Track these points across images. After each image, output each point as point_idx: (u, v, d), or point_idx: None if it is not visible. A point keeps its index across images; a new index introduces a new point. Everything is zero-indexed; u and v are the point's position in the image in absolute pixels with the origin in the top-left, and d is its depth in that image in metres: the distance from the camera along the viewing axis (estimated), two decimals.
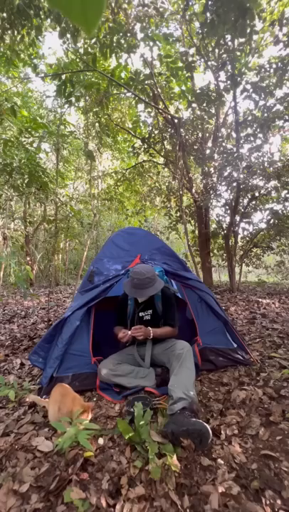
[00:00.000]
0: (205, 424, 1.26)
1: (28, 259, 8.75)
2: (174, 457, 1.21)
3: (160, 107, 5.03)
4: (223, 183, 4.80)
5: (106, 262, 2.32)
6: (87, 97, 5.18)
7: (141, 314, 2.00)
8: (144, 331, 1.82)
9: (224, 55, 4.02)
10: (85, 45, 4.38)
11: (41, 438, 1.40)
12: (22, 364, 2.47)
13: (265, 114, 4.16)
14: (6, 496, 1.09)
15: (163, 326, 1.97)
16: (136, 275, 1.80)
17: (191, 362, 1.65)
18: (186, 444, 1.27)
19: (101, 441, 1.37)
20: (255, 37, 4.16)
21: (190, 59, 4.32)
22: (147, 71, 4.77)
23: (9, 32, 3.46)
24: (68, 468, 1.21)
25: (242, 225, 5.43)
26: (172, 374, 1.61)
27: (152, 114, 5.64)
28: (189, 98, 4.92)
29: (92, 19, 0.27)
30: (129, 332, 1.84)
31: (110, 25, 3.87)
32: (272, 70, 4.02)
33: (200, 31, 3.69)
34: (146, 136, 5.75)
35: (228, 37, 3.78)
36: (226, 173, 4.62)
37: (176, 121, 4.88)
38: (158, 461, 1.18)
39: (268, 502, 1.02)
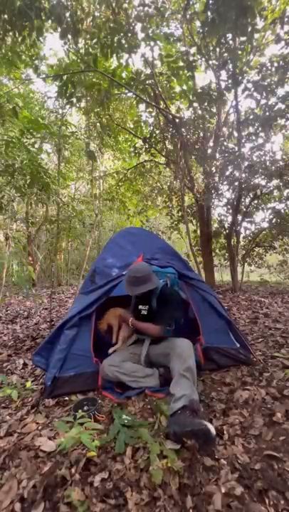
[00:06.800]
0: (209, 424, 1.25)
1: (30, 259, 8.78)
2: (176, 458, 1.20)
3: (161, 106, 5.02)
4: (225, 183, 4.78)
5: (108, 262, 2.32)
6: (88, 98, 5.19)
7: (140, 307, 2.05)
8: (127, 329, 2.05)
9: (225, 54, 3.99)
10: (86, 46, 4.39)
11: (44, 438, 1.40)
12: (25, 364, 2.48)
13: (267, 113, 4.13)
14: (9, 496, 1.09)
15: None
16: (130, 272, 1.89)
17: (192, 360, 1.63)
18: (189, 445, 1.26)
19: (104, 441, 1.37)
20: (256, 35, 4.13)
21: (191, 58, 4.31)
22: (148, 71, 4.77)
23: (10, 33, 3.48)
24: (71, 468, 1.21)
25: (244, 224, 5.41)
26: (173, 373, 1.60)
27: (153, 113, 5.64)
28: (190, 97, 4.90)
29: None
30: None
31: (111, 25, 3.87)
32: (273, 69, 4.00)
33: (201, 30, 3.68)
34: (148, 136, 5.75)
35: (229, 36, 3.76)
36: (227, 173, 4.60)
37: (177, 120, 4.87)
38: (159, 463, 1.18)
39: (271, 503, 1.01)
